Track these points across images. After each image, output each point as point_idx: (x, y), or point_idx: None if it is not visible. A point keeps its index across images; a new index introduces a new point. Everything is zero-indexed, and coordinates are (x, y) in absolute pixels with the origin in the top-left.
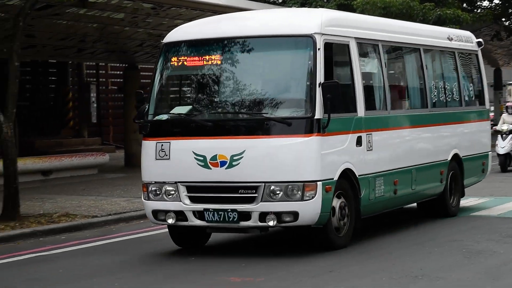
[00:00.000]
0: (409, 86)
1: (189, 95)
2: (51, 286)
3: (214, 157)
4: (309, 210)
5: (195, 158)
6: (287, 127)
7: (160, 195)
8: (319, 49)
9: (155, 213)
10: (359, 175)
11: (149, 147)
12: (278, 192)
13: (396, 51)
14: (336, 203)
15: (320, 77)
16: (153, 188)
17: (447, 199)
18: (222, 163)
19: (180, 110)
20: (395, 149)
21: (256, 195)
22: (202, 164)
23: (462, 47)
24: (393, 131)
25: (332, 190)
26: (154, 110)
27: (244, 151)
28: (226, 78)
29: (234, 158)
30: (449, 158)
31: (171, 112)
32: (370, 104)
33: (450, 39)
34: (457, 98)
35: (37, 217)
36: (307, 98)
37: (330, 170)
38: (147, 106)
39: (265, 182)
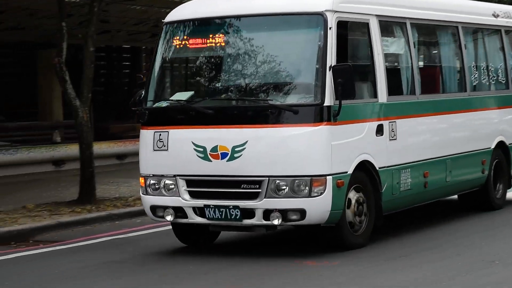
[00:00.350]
0: (443, 68)
1: (191, 80)
2: (131, 267)
3: (214, 149)
4: (317, 207)
5: (194, 149)
6: (293, 115)
7: (159, 190)
8: (330, 28)
9: (154, 209)
10: (379, 168)
11: (146, 136)
12: (284, 187)
13: (428, 30)
14: (352, 198)
15: (331, 60)
16: (151, 182)
17: (490, 191)
18: (223, 155)
19: (180, 97)
20: (425, 138)
21: (260, 190)
22: (202, 156)
23: (510, 24)
24: (423, 118)
25: (346, 185)
26: (153, 97)
27: (246, 141)
28: (229, 61)
29: (236, 149)
30: (493, 146)
31: (170, 98)
32: (394, 89)
33: (495, 15)
34: (503, 80)
35: (112, 201)
36: (316, 83)
37: (342, 163)
38: (143, 92)
39: (269, 177)
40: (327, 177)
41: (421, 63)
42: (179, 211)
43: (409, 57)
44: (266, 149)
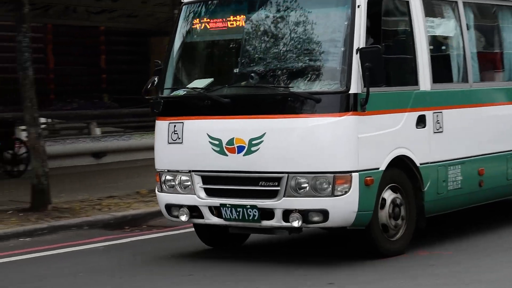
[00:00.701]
0: (505, 54)
1: (210, 65)
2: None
3: (230, 141)
4: (341, 208)
5: (210, 142)
6: (315, 104)
7: (174, 187)
8: (359, 6)
9: (169, 208)
10: (421, 164)
11: (161, 128)
12: (304, 185)
13: (485, 11)
14: (387, 199)
15: (359, 42)
16: (166, 178)
17: None
18: (240, 149)
19: (199, 84)
20: (480, 131)
21: (279, 188)
22: (218, 149)
23: None
24: (478, 108)
25: (377, 183)
26: (170, 84)
27: (264, 134)
28: (248, 44)
29: (253, 142)
30: None
31: (187, 86)
32: (441, 75)
33: None
34: None
35: None
36: (340, 68)
37: (372, 158)
38: (155, 79)
39: (288, 173)
40: (353, 174)
41: (476, 48)
42: (194, 211)
43: (461, 41)
44: (285, 142)
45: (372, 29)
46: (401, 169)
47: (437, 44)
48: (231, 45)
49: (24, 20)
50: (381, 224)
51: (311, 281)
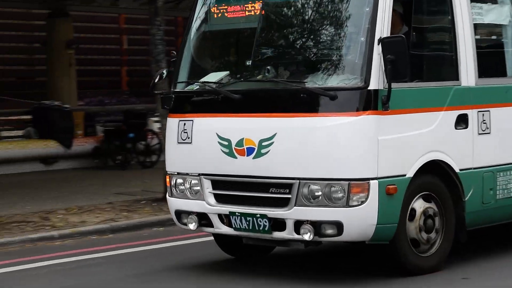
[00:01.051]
0: None
1: (225, 58)
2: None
3: (240, 142)
4: (357, 220)
5: (219, 142)
6: (330, 101)
7: (184, 191)
8: None
9: (179, 214)
10: (461, 169)
11: (171, 126)
12: (317, 193)
13: None
14: (418, 209)
15: (382, 30)
16: (177, 182)
17: None
18: (249, 151)
19: (213, 78)
20: None
21: (290, 196)
22: (227, 151)
23: None
24: None
25: (402, 192)
26: (185, 77)
27: (274, 134)
28: (262, 35)
29: (263, 144)
30: None
31: (201, 80)
32: (489, 69)
33: None
34: None
35: None
36: (359, 61)
37: (397, 163)
38: (164, 71)
39: (300, 179)
40: (371, 181)
41: None
42: (203, 218)
43: None
44: (297, 144)
45: (400, 16)
46: (437, 175)
47: (485, 33)
48: (246, 36)
49: (158, 13)
50: (410, 239)
51: None
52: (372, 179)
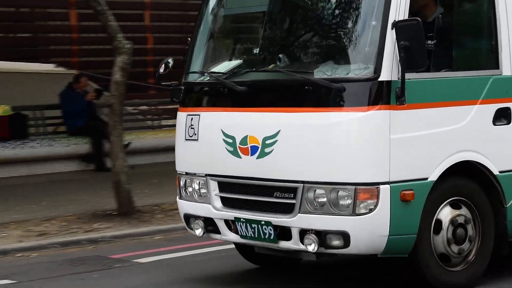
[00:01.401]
0: None
1: (237, 46)
2: None
3: (244, 140)
4: (365, 230)
5: (224, 140)
6: (337, 94)
7: (192, 193)
8: None
9: (187, 218)
10: (501, 171)
11: (180, 121)
12: (322, 198)
13: None
14: (445, 218)
15: (397, 13)
16: (185, 182)
17: None
18: (253, 150)
19: (223, 68)
20: None
21: (295, 201)
22: (231, 149)
23: None
24: None
25: (422, 198)
26: (196, 67)
27: (278, 131)
28: (270, 21)
29: (267, 142)
30: None
31: (211, 70)
32: None
33: None
34: None
35: None
36: (369, 48)
37: (415, 165)
38: (170, 60)
39: (304, 182)
40: (381, 186)
41: None
42: (210, 224)
43: None
44: (301, 142)
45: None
46: (471, 178)
47: None
48: (256, 23)
49: None
50: (437, 254)
51: None
52: (383, 183)
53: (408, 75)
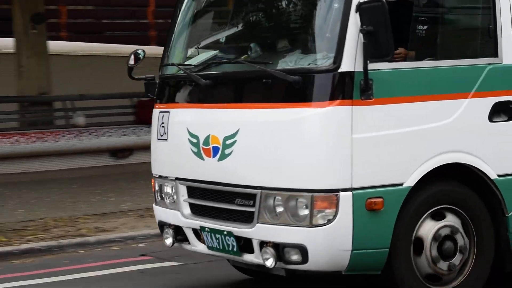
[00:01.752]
0: None
1: (214, 36)
2: None
3: (206, 140)
4: (323, 244)
5: (189, 139)
6: (294, 88)
7: (164, 198)
8: None
9: (161, 226)
10: (500, 175)
11: (154, 119)
12: (279, 207)
13: None
14: (427, 236)
15: None
16: (158, 186)
17: None
18: (215, 151)
19: (198, 60)
20: None
21: (254, 209)
22: (196, 150)
23: None
24: None
25: (395, 207)
26: (171, 59)
27: (237, 130)
28: (239, 7)
29: (227, 142)
30: None
31: (186, 62)
32: None
33: None
34: None
35: None
36: (330, 34)
37: (386, 169)
38: (140, 52)
39: (262, 188)
40: (341, 193)
41: None
42: (179, 232)
43: None
44: (259, 143)
45: None
46: (461, 182)
47: None
48: (228, 11)
49: None
50: (422, 275)
51: None
52: (343, 190)
53: (379, 65)
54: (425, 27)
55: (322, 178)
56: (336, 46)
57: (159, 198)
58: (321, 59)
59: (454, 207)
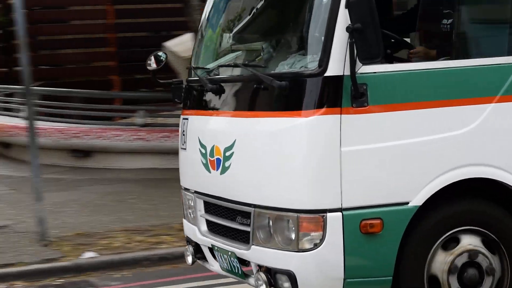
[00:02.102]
0: None
1: (227, 38)
2: None
3: (212, 151)
4: (312, 271)
5: (199, 150)
6: (282, 94)
7: (189, 213)
8: None
9: (187, 242)
10: None
11: (179, 126)
12: (269, 227)
13: None
14: (440, 271)
15: None
16: (184, 198)
17: None
18: (218, 163)
19: (215, 64)
20: None
21: (249, 229)
22: (204, 162)
23: None
24: None
25: (397, 230)
26: (199, 61)
27: (234, 141)
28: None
29: (226, 154)
30: None
31: (208, 65)
32: None
33: None
34: None
35: None
36: (318, 34)
37: (384, 185)
38: (161, 54)
39: (255, 206)
40: (328, 214)
41: None
42: (198, 250)
43: None
44: (252, 155)
45: None
46: (487, 199)
47: None
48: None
49: None
50: None
51: None
52: (331, 210)
53: (376, 68)
54: (448, 21)
55: (307, 197)
56: (322, 47)
57: (186, 212)
58: (309, 62)
59: (472, 227)
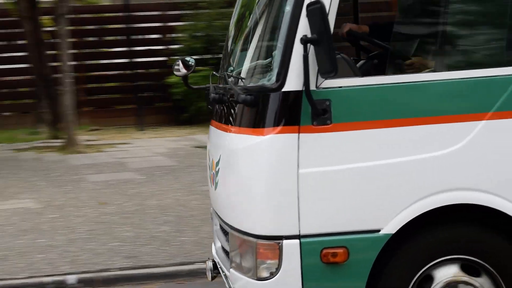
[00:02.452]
0: None
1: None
2: None
3: (211, 165)
4: None
5: (207, 163)
6: (246, 110)
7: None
8: None
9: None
10: None
11: None
12: (238, 251)
13: None
14: None
15: None
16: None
17: None
18: (214, 178)
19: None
20: None
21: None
22: (209, 175)
23: None
24: None
25: (365, 260)
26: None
27: (220, 156)
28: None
29: (217, 169)
30: None
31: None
32: None
33: None
34: None
35: None
36: (279, 45)
37: (349, 212)
38: (189, 59)
39: (231, 227)
40: (284, 241)
41: None
42: (216, 266)
43: None
44: (226, 172)
45: None
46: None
47: None
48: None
49: None
50: None
51: None
52: (287, 237)
53: (342, 82)
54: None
55: (264, 222)
56: (281, 60)
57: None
58: (270, 76)
59: (459, 256)
